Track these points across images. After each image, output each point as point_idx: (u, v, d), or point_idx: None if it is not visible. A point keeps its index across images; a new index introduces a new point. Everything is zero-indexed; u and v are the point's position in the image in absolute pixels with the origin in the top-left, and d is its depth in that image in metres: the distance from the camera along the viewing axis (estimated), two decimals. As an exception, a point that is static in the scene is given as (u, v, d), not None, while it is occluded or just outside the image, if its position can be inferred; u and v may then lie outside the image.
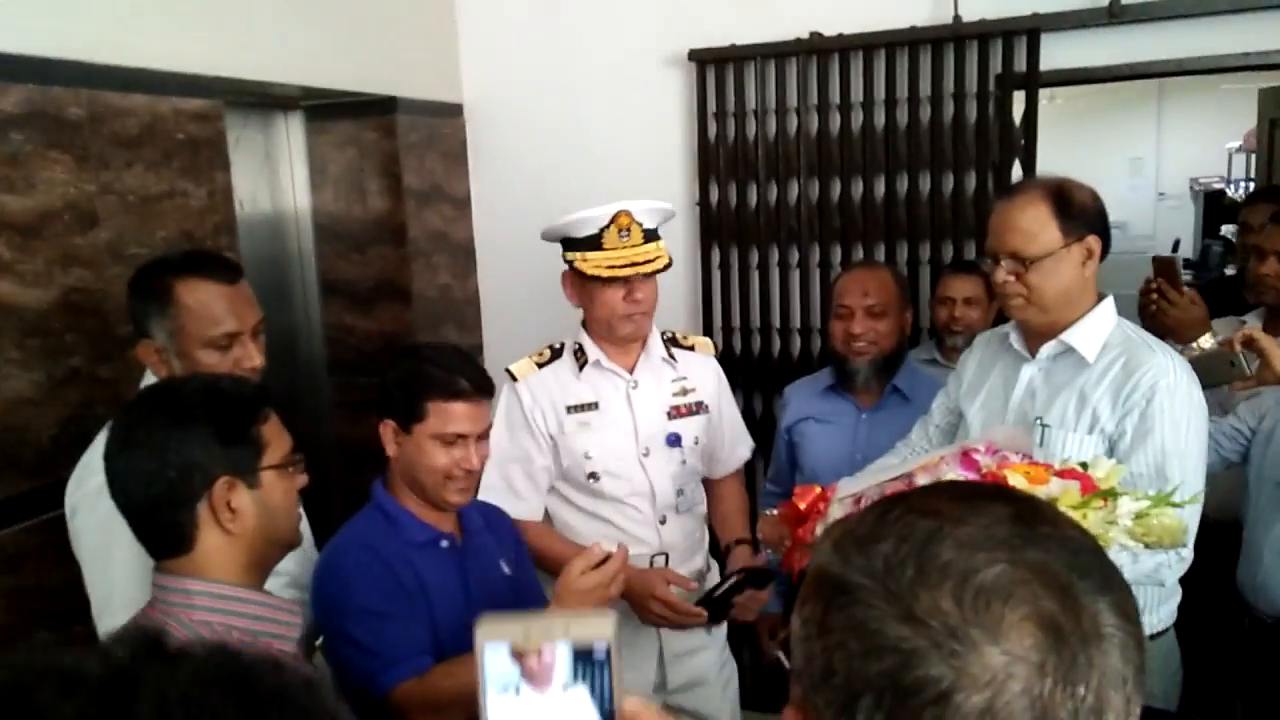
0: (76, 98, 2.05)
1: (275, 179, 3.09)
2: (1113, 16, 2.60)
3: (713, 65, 3.00)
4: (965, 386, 1.95)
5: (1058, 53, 2.70)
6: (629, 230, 1.89)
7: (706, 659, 2.06)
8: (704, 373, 2.11)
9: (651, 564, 1.93)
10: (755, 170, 3.02)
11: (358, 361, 3.20)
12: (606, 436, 1.98)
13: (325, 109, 3.08)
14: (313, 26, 2.72)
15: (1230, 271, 6.97)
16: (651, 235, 1.94)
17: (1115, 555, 1.49)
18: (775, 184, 3.00)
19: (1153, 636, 1.78)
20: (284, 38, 2.62)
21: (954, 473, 1.49)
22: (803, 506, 1.63)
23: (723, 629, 2.12)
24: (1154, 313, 2.22)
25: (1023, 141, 2.75)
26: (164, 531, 1.23)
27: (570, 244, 1.97)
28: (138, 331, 1.70)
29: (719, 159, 3.04)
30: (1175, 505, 1.41)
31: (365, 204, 3.13)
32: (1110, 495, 1.40)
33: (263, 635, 1.21)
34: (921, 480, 1.50)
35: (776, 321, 3.09)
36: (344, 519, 1.80)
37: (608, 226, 1.90)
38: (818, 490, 1.65)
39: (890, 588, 0.57)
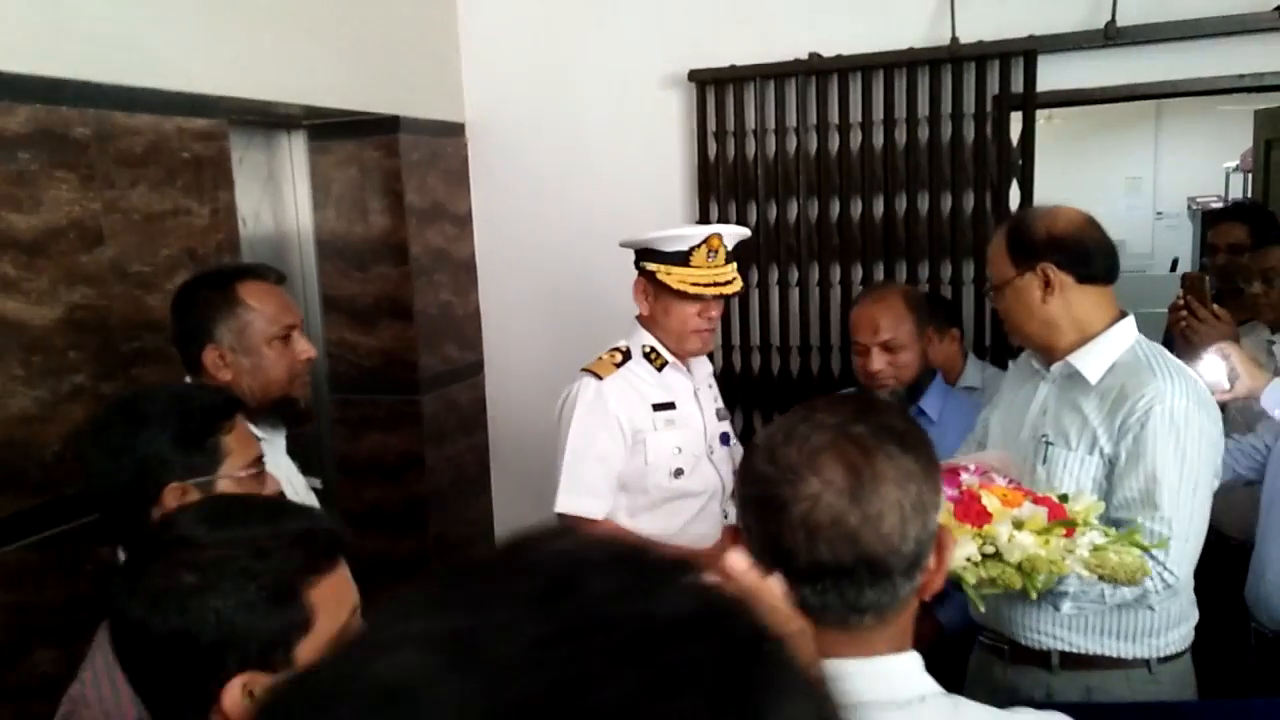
0: (83, 117, 2.07)
1: (278, 197, 3.11)
2: (1109, 39, 2.63)
3: (712, 85, 3.03)
4: (998, 397, 2.00)
5: (1054, 74, 2.73)
6: (717, 252, 1.98)
7: None
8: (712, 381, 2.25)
9: None
10: (755, 189, 3.04)
11: (358, 379, 3.21)
12: (687, 434, 2.06)
13: (328, 128, 3.10)
14: (316, 46, 2.74)
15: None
16: (731, 257, 2.02)
17: (1094, 584, 1.52)
18: (775, 203, 3.03)
19: (1163, 660, 1.75)
20: (288, 57, 2.65)
21: (969, 478, 1.53)
22: None
23: None
24: (1183, 330, 2.26)
25: (1020, 161, 2.77)
26: (125, 528, 1.28)
27: (654, 256, 2.03)
28: (195, 340, 1.77)
29: (719, 178, 3.07)
30: (1140, 546, 1.43)
31: (367, 222, 3.15)
32: (1072, 525, 1.43)
33: None
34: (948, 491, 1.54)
35: (776, 340, 3.11)
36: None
37: (699, 246, 1.97)
38: None
39: (768, 446, 0.91)
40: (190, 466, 1.27)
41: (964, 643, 2.00)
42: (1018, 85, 2.72)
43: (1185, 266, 8.46)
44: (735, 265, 2.09)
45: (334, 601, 0.93)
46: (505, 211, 3.45)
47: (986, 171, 2.79)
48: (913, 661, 0.91)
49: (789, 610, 0.72)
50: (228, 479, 1.29)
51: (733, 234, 2.07)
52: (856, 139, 2.92)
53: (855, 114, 2.91)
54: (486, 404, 3.60)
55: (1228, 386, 1.83)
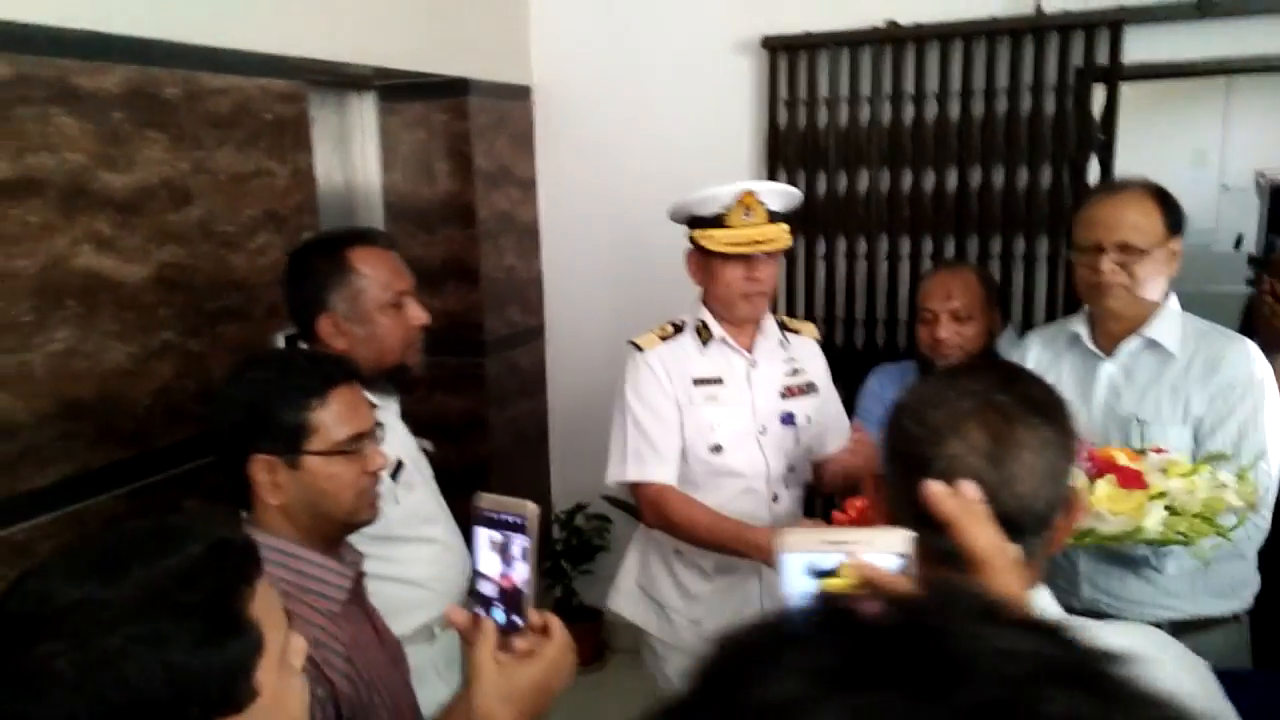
0: (172, 77, 2.10)
1: (347, 158, 3.14)
2: (1200, 11, 2.55)
3: (785, 53, 2.99)
4: None
5: (1140, 46, 2.66)
6: (752, 210, 1.93)
7: None
8: (811, 356, 2.16)
9: None
10: (826, 159, 3.01)
11: (426, 341, 3.24)
12: (730, 411, 2.03)
13: (397, 89, 3.12)
14: (387, 7, 2.75)
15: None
16: (776, 217, 1.96)
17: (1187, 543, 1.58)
18: (845, 174, 2.99)
19: (1222, 620, 1.80)
20: (360, 19, 2.66)
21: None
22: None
23: None
24: (1269, 315, 2.16)
25: (1102, 136, 2.71)
26: (232, 487, 1.31)
27: (695, 222, 2.01)
28: (309, 308, 1.76)
29: (789, 147, 3.04)
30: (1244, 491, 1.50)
31: (434, 184, 3.17)
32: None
33: (308, 592, 1.27)
34: None
35: (841, 312, 3.09)
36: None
37: (732, 205, 1.93)
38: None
39: (916, 408, 0.97)
40: (277, 438, 1.27)
41: None
42: (1102, 57, 2.65)
43: (1250, 243, 8.24)
44: (785, 226, 2.01)
45: (270, 611, 0.83)
46: (569, 176, 3.45)
47: (1066, 145, 2.73)
48: (1046, 593, 0.98)
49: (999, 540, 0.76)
50: (316, 455, 1.28)
51: (770, 191, 1.99)
52: (932, 110, 2.87)
53: (932, 84, 2.86)
54: (546, 368, 3.63)
55: None
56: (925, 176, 2.91)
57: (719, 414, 2.02)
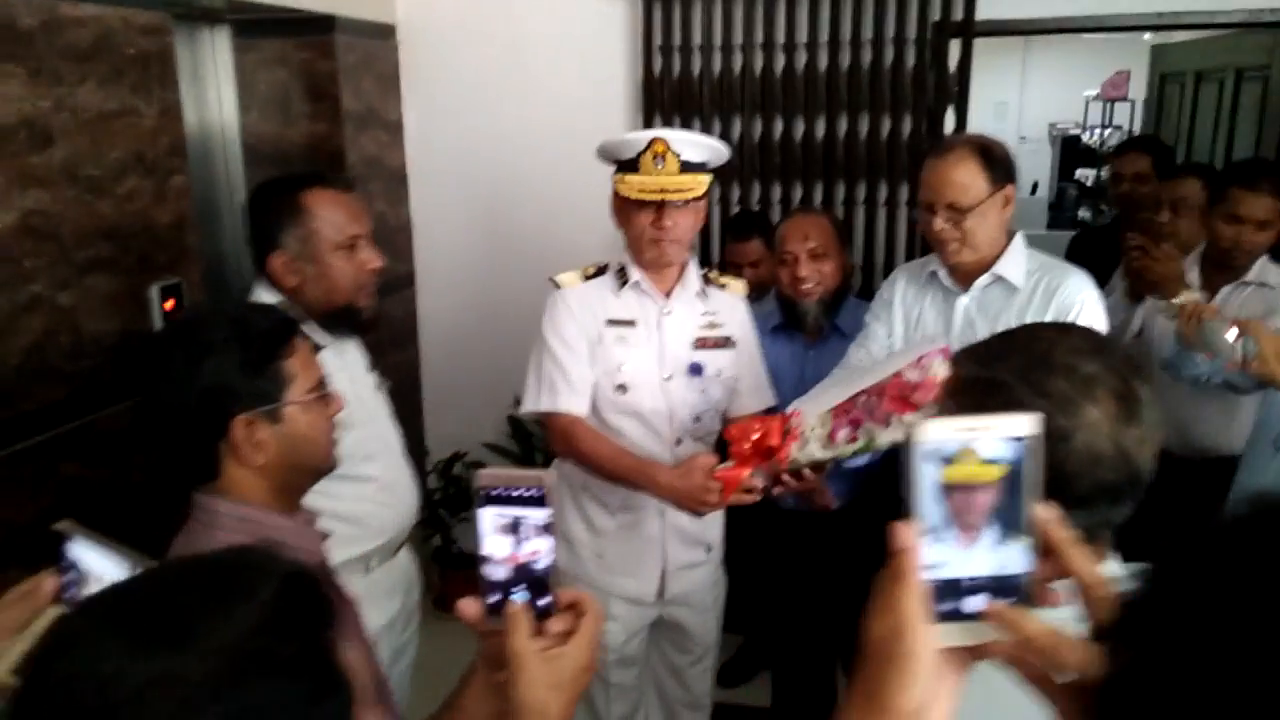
0: (29, 6, 1.91)
1: (202, 98, 2.94)
2: (1045, -28, 2.78)
3: (661, 0, 3.03)
4: (886, 313, 2.17)
5: (993, 4, 2.87)
6: (664, 158, 1.94)
7: (702, 574, 2.19)
8: (734, 312, 2.16)
9: None
10: (700, 106, 3.08)
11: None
12: (637, 354, 2.05)
13: (254, 24, 2.94)
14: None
15: (1083, 219, 7.55)
16: (691, 167, 1.96)
17: None
18: (719, 121, 3.08)
19: None
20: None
21: (943, 364, 1.68)
22: (775, 442, 1.79)
23: (720, 551, 2.25)
24: (1138, 268, 2.33)
25: (957, 89, 2.91)
26: (190, 461, 1.25)
27: (618, 166, 2.01)
28: (263, 246, 1.82)
29: (664, 94, 3.09)
30: None
31: (298, 127, 3.02)
32: None
33: None
34: (910, 375, 1.69)
35: (715, 257, 3.20)
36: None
37: (644, 152, 1.94)
38: (778, 421, 1.83)
39: (1029, 380, 0.93)
40: (256, 395, 1.23)
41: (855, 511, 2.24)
42: (958, 14, 2.84)
43: (1045, 190, 9.03)
44: (701, 176, 2.00)
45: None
46: (438, 119, 3.37)
47: (924, 96, 2.92)
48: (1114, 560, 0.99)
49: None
50: (294, 404, 1.26)
51: (683, 140, 1.99)
52: (801, 60, 2.99)
53: (801, 35, 2.97)
54: (417, 317, 3.57)
55: (1239, 359, 1.96)
56: (795, 125, 3.04)
57: (627, 355, 2.06)
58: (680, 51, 3.06)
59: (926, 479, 0.64)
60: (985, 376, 0.96)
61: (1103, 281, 2.27)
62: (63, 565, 0.90)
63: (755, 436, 1.83)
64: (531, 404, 2.08)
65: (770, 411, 2.12)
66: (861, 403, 1.75)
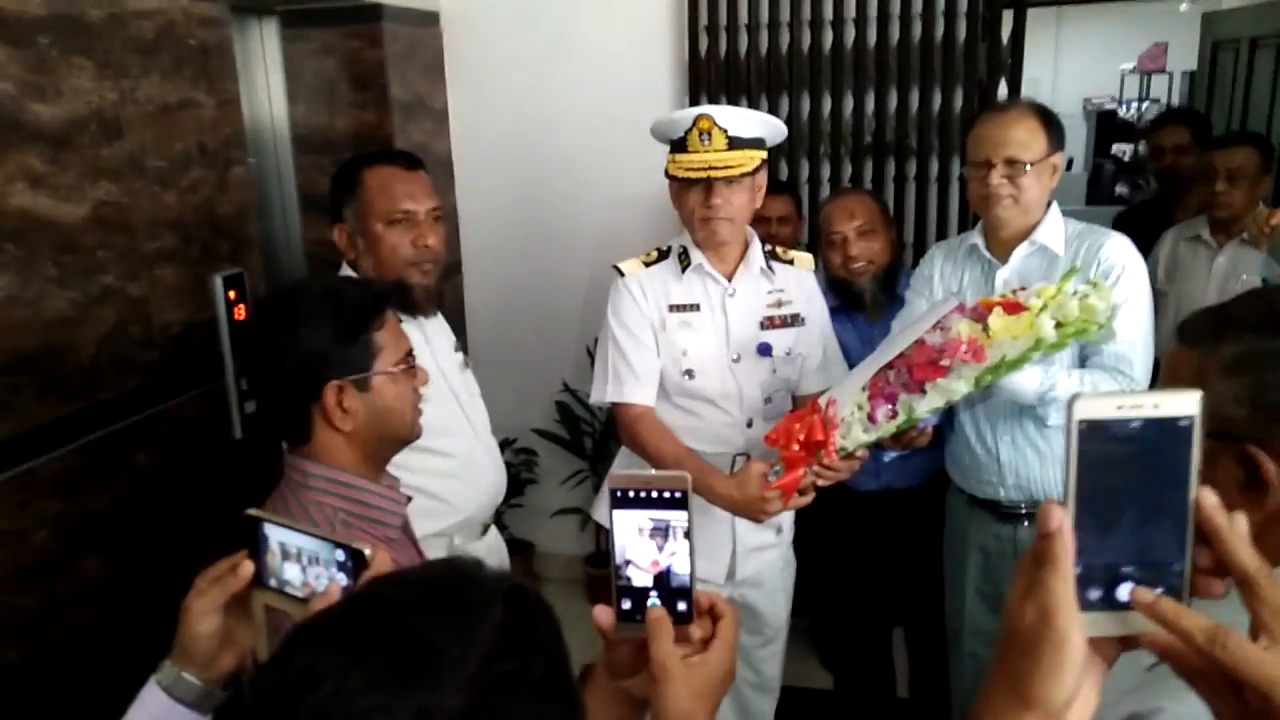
0: (95, -1, 1.93)
1: (251, 89, 2.96)
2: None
3: (705, -22, 3.01)
4: (938, 291, 2.15)
5: (1040, -26, 2.83)
6: (710, 134, 1.92)
7: (773, 557, 2.18)
8: (801, 288, 2.13)
9: (733, 463, 2.02)
10: (746, 85, 3.06)
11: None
12: (703, 338, 2.04)
13: (300, 15, 2.95)
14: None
15: (1120, 194, 7.44)
16: (740, 143, 1.94)
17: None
18: (766, 99, 3.06)
19: None
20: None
21: (962, 320, 1.70)
22: (821, 436, 1.78)
23: (790, 533, 2.24)
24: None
25: (1010, 61, 2.87)
26: (287, 423, 1.30)
27: (670, 146, 2.00)
28: (331, 217, 1.93)
29: (710, 73, 3.07)
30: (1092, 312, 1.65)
31: (346, 116, 3.03)
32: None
33: (368, 520, 1.29)
34: (932, 339, 1.68)
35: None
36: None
37: (691, 129, 1.93)
38: (815, 414, 1.80)
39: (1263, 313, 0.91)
40: (347, 364, 1.27)
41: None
42: (1010, -15, 2.81)
43: (1080, 167, 8.91)
44: (753, 153, 1.97)
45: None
46: (483, 106, 3.37)
47: (976, 70, 2.88)
48: None
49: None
50: (382, 375, 1.30)
51: (730, 115, 1.95)
52: (850, 35, 2.97)
53: (850, 9, 2.95)
54: (465, 303, 3.58)
55: None
56: (844, 102, 3.02)
57: (692, 339, 2.05)
58: (726, 30, 3.04)
59: (1083, 457, 0.63)
60: (1262, 350, 0.90)
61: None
62: (257, 549, 0.91)
63: (801, 436, 1.81)
64: (598, 395, 2.09)
65: (796, 405, 2.12)
66: (892, 377, 1.76)
